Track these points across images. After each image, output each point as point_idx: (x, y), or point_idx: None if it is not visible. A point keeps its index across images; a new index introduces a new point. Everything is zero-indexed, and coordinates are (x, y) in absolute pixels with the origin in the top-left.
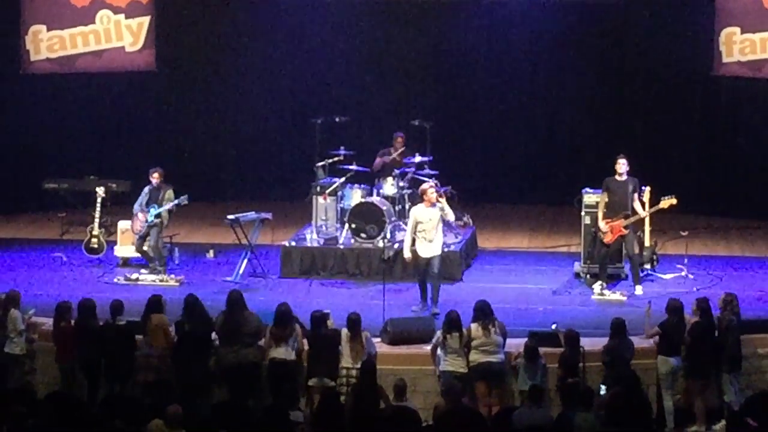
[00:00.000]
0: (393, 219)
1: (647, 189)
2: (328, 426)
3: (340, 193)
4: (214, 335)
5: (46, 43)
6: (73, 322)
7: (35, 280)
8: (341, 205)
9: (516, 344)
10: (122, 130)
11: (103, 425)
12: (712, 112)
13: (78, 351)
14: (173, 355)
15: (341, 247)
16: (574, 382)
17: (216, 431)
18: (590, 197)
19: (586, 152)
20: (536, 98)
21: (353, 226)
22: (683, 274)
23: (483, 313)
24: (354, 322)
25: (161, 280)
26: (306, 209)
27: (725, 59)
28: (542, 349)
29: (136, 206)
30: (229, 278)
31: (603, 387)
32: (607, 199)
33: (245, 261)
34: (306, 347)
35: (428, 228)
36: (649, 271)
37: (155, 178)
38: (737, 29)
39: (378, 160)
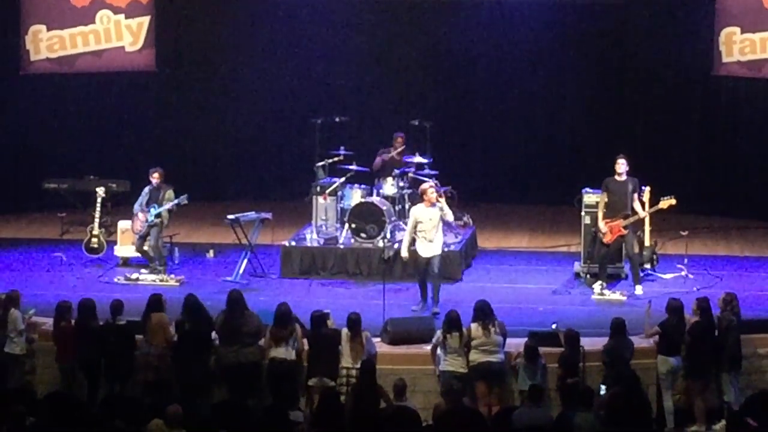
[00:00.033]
0: (393, 219)
1: (647, 189)
2: (328, 426)
3: (340, 193)
4: (214, 335)
5: (46, 43)
6: (73, 321)
7: (35, 280)
8: (341, 205)
9: (516, 344)
10: (122, 130)
11: (103, 425)
12: (712, 112)
13: (78, 351)
14: (173, 354)
15: (341, 247)
16: (574, 381)
17: (216, 431)
18: (590, 197)
19: (586, 152)
20: (536, 98)
21: (353, 226)
22: (683, 273)
23: (483, 312)
24: (354, 322)
25: (161, 280)
26: (306, 209)
27: (725, 59)
28: (542, 349)
29: (136, 206)
30: (229, 278)
31: (603, 387)
32: (606, 200)
33: (245, 261)
34: (306, 347)
35: (428, 228)
36: (649, 271)
37: (155, 178)
38: (737, 29)
39: (378, 159)
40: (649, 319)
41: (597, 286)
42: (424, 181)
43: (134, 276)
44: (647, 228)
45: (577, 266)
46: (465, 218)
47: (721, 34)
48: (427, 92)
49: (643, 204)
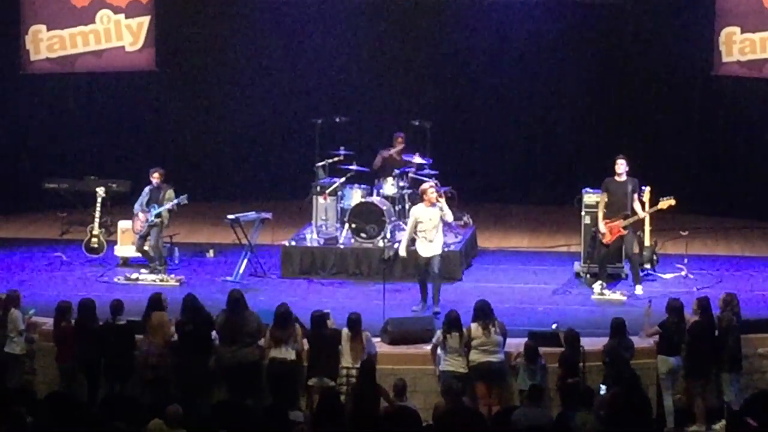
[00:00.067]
0: (393, 219)
1: (647, 189)
2: (328, 426)
3: (340, 193)
4: (214, 335)
5: (46, 43)
6: (73, 321)
7: (35, 280)
8: (341, 205)
9: (516, 344)
10: (122, 130)
11: (103, 425)
12: (712, 112)
13: (78, 351)
14: (173, 354)
15: (341, 247)
16: (574, 381)
17: (216, 431)
18: (590, 197)
19: (586, 152)
20: (536, 98)
21: (353, 225)
22: (683, 273)
23: (483, 312)
24: (354, 322)
25: (161, 280)
26: (306, 209)
27: (725, 59)
28: (542, 349)
29: (136, 206)
30: (229, 278)
31: (603, 387)
32: (606, 200)
33: (245, 261)
34: (306, 347)
35: (428, 228)
36: (649, 271)
37: (155, 178)
38: (737, 29)
39: (378, 157)
40: (649, 319)
41: (597, 286)
42: (424, 181)
43: (134, 276)
44: (647, 228)
45: (577, 266)
46: (465, 218)
47: (721, 34)
48: (427, 92)
49: (643, 204)
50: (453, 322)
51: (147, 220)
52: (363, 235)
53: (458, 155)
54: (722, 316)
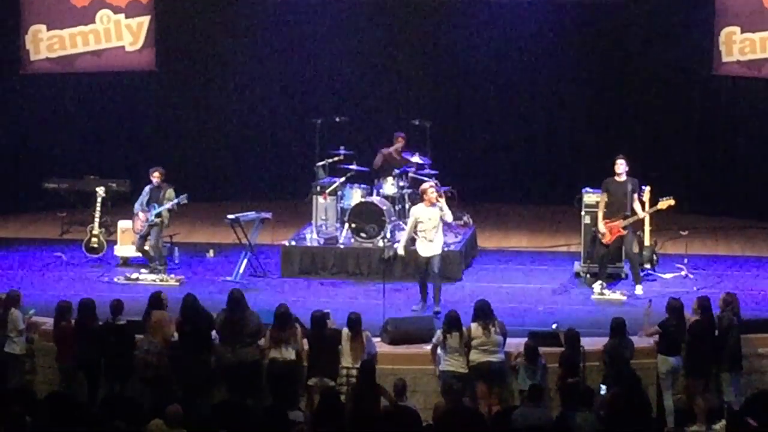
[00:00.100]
0: (393, 219)
1: (647, 189)
2: (328, 426)
3: (340, 193)
4: (214, 334)
5: (46, 43)
6: (73, 321)
7: (35, 280)
8: (341, 205)
9: (516, 344)
10: (122, 130)
11: (103, 425)
12: (712, 112)
13: (78, 351)
14: (174, 354)
15: (341, 246)
16: (575, 381)
17: (216, 431)
18: (590, 197)
19: (586, 152)
20: (536, 98)
21: (353, 225)
22: (683, 273)
23: (483, 312)
24: (355, 322)
25: (161, 280)
26: (306, 209)
27: (725, 59)
28: (542, 349)
29: (137, 205)
30: (229, 278)
31: (603, 386)
32: (606, 200)
33: (245, 260)
34: (306, 347)
35: (428, 228)
36: (649, 271)
37: (156, 177)
38: (737, 29)
39: (378, 156)
40: (649, 319)
41: (597, 286)
42: (424, 181)
43: (134, 276)
44: (647, 228)
45: (577, 266)
46: (465, 218)
47: (721, 34)
48: (427, 92)
49: (642, 204)
50: (453, 322)
51: (147, 220)
52: (363, 234)
53: (458, 155)
54: (722, 316)
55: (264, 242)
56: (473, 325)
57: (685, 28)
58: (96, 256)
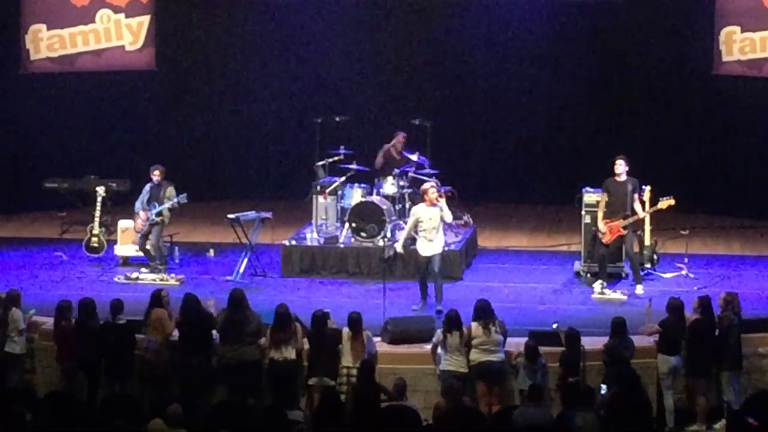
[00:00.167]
0: (393, 218)
1: (647, 188)
2: (328, 425)
3: (340, 193)
4: (214, 334)
5: (46, 43)
6: (73, 321)
7: (35, 279)
8: (341, 205)
9: (516, 343)
10: (122, 130)
11: (103, 425)
12: (712, 112)
13: (78, 350)
14: (174, 353)
15: (341, 246)
16: (575, 381)
17: (216, 431)
18: (590, 196)
19: (586, 152)
20: (536, 98)
21: (353, 225)
22: (683, 273)
23: (483, 312)
24: (355, 321)
25: (161, 279)
26: (306, 208)
27: (725, 58)
28: (543, 349)
29: (137, 204)
30: (229, 277)
31: (603, 386)
32: (606, 200)
33: (245, 260)
34: (306, 346)
35: (428, 227)
36: (650, 270)
37: (156, 175)
38: (737, 28)
39: (379, 155)
40: (649, 319)
41: (597, 286)
42: (425, 181)
43: (134, 275)
44: (647, 227)
45: (578, 265)
46: (465, 218)
47: (721, 34)
48: (427, 92)
49: (643, 204)
50: (453, 321)
51: (148, 219)
52: (363, 234)
53: (458, 155)
54: (723, 316)
55: (264, 242)
56: (473, 325)
57: (685, 28)
58: (96, 255)
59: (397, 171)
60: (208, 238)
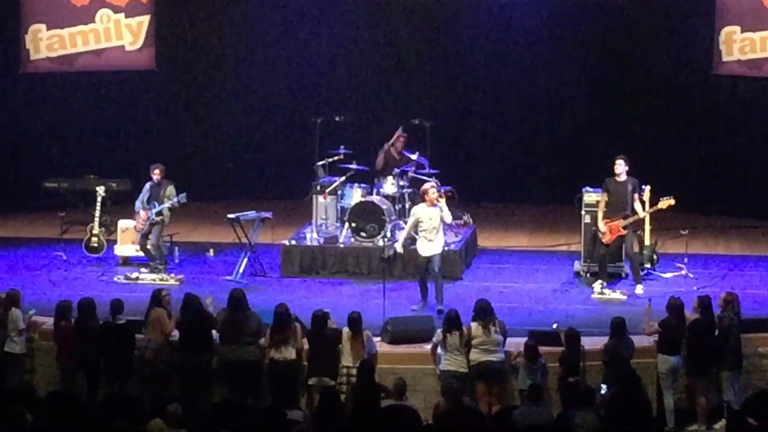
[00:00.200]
0: (393, 218)
1: (647, 188)
2: (328, 425)
3: (340, 192)
4: (214, 334)
5: (46, 42)
6: (73, 321)
7: (35, 279)
8: (341, 204)
9: (516, 343)
10: (122, 130)
11: (103, 425)
12: (712, 112)
13: (78, 350)
14: (174, 353)
15: (341, 246)
16: (575, 381)
17: (216, 430)
18: (590, 196)
19: (586, 152)
20: (536, 98)
21: (353, 225)
22: (683, 273)
23: (483, 312)
24: (355, 321)
25: (161, 279)
26: (306, 208)
27: (725, 58)
28: (542, 348)
29: (138, 203)
30: (229, 277)
31: (603, 386)
32: (606, 200)
33: (245, 260)
34: (306, 346)
35: (428, 228)
36: (650, 270)
37: (156, 174)
38: (737, 28)
39: (380, 156)
40: (649, 318)
41: (597, 285)
42: (425, 181)
43: (134, 275)
44: (647, 227)
45: (578, 265)
46: (465, 218)
47: (721, 33)
48: (427, 92)
49: (643, 203)
50: (453, 321)
51: (148, 218)
52: (363, 234)
53: (458, 155)
54: (723, 315)
55: (264, 241)
56: (473, 325)
57: (685, 28)
58: (96, 255)
59: (397, 171)
60: (208, 238)
